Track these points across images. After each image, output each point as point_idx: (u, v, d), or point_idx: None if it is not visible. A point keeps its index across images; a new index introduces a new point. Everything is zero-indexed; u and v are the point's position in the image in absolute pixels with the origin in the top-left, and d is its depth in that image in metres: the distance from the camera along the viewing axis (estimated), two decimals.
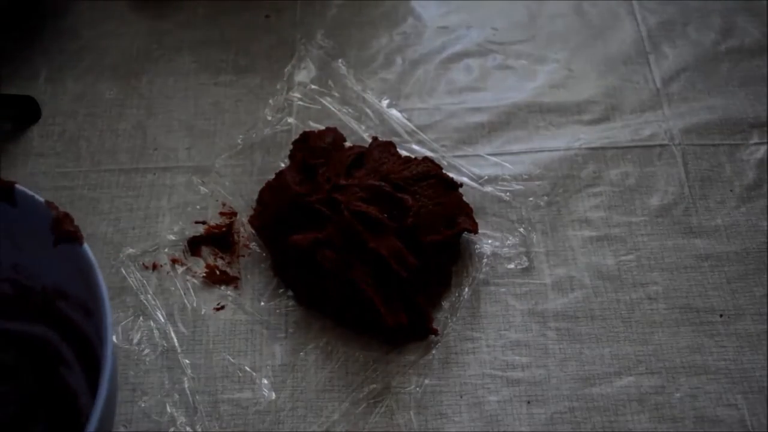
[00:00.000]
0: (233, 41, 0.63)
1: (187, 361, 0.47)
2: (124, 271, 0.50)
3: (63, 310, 0.43)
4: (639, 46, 0.63)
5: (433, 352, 0.47)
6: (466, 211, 0.51)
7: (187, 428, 0.44)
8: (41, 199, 0.39)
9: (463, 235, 0.51)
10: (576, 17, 0.65)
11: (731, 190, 0.54)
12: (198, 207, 0.54)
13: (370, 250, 0.46)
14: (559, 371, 0.46)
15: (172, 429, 0.44)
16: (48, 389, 0.44)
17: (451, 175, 0.52)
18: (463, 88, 0.60)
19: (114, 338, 0.46)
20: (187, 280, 0.50)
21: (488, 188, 0.54)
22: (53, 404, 0.44)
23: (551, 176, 0.55)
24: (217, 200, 0.54)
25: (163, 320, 0.48)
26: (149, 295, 0.49)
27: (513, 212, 0.53)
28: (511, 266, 0.51)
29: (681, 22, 0.64)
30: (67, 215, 0.39)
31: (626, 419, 0.45)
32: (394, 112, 0.58)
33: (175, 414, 0.45)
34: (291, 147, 0.55)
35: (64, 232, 0.38)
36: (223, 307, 0.49)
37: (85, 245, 0.38)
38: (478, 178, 0.55)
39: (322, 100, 0.59)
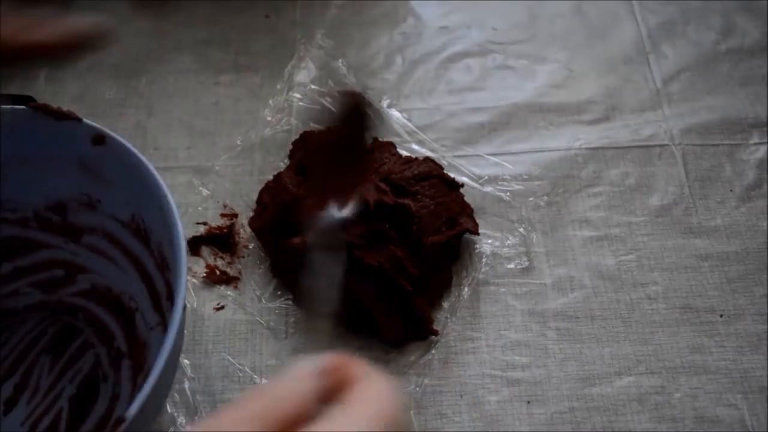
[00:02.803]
0: (233, 41, 0.63)
1: (187, 362, 0.47)
2: None
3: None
4: (639, 46, 0.62)
5: (433, 352, 0.47)
6: (467, 211, 0.51)
7: (188, 428, 0.44)
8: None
9: (464, 235, 0.51)
10: (576, 17, 0.65)
11: (731, 190, 0.54)
12: (199, 208, 0.54)
13: (369, 265, 0.45)
14: (559, 371, 0.46)
15: (172, 429, 0.44)
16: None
17: (451, 175, 0.52)
18: (463, 88, 0.60)
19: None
20: (187, 280, 0.50)
21: (488, 188, 0.54)
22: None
23: (551, 176, 0.55)
24: (218, 201, 0.54)
25: None
26: None
27: (513, 212, 0.53)
28: (511, 266, 0.51)
29: (681, 22, 0.64)
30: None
31: (626, 419, 0.45)
32: (394, 112, 0.58)
33: (175, 414, 0.45)
34: (291, 147, 0.55)
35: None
36: (223, 307, 0.49)
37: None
38: (478, 178, 0.55)
39: (322, 100, 0.59)
